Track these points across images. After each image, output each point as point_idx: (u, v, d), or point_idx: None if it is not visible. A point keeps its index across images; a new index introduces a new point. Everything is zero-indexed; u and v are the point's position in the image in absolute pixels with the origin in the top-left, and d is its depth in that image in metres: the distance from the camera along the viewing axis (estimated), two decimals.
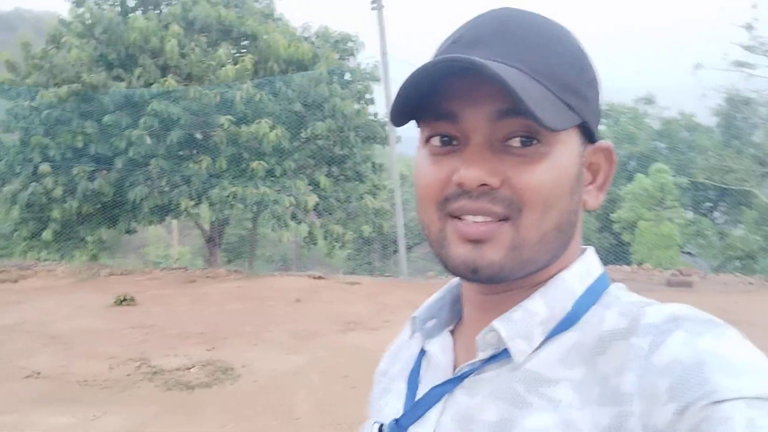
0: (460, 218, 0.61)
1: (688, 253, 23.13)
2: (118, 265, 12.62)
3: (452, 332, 0.74)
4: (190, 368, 6.13)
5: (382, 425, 0.72)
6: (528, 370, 0.62)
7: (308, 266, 17.22)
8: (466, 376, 0.66)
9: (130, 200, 11.53)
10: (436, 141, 0.63)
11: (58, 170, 11.55)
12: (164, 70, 11.55)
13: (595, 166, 0.67)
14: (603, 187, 0.69)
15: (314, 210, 11.85)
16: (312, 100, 11.63)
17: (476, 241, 0.60)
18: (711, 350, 0.53)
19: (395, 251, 17.71)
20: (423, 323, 0.75)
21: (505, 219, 0.60)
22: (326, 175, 12.27)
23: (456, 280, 0.74)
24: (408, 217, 13.28)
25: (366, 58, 13.46)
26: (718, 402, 0.50)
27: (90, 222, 12.25)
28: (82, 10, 12.35)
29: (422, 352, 0.75)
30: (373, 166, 13.28)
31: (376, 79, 12.73)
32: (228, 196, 10.89)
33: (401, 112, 0.62)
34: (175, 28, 11.34)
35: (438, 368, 0.71)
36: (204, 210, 12.41)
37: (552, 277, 0.65)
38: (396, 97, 0.60)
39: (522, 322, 0.63)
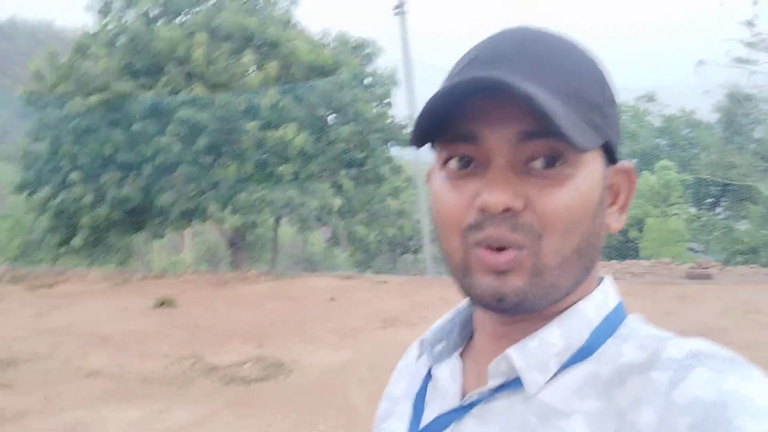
0: (484, 246, 0.60)
1: (691, 249, 23.39)
2: (148, 269, 12.86)
3: (461, 355, 0.73)
4: (243, 364, 6.38)
5: None
6: (541, 402, 0.60)
7: (315, 268, 17.47)
8: (475, 404, 0.64)
9: (158, 206, 11.80)
10: (454, 163, 0.61)
11: (88, 178, 11.82)
12: (190, 78, 11.82)
13: (615, 188, 0.66)
14: (624, 209, 0.67)
15: (337, 212, 12.11)
16: (336, 105, 11.89)
17: (500, 272, 0.59)
18: (735, 390, 0.51)
19: (402, 253, 18.00)
20: (432, 346, 0.73)
21: (524, 247, 0.59)
22: (348, 178, 12.53)
23: (465, 301, 0.72)
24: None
25: (384, 62, 13.72)
26: None
27: (118, 228, 12.52)
28: (107, 20, 12.61)
29: (428, 376, 0.74)
30: (393, 169, 13.54)
31: (395, 83, 13.01)
32: (256, 200, 11.13)
33: (422, 134, 0.60)
34: (200, 36, 11.61)
35: (445, 394, 0.69)
36: (227, 214, 12.66)
37: (569, 306, 0.64)
38: (419, 118, 0.58)
39: (538, 352, 0.61)
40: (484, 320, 0.68)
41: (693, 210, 23.32)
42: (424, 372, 0.74)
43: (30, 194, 12.67)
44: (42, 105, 12.10)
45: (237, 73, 11.56)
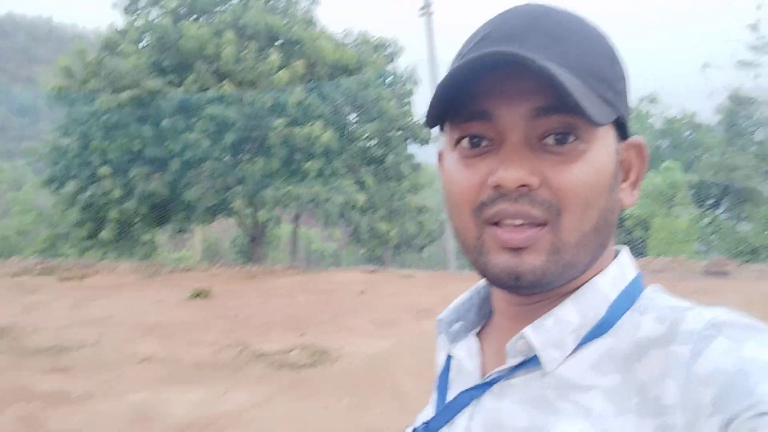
0: (497, 224, 0.59)
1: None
2: (175, 263, 13.10)
3: (478, 335, 0.73)
4: (290, 352, 6.63)
5: (414, 429, 0.72)
6: (559, 376, 0.60)
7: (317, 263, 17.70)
8: (495, 382, 0.65)
9: (184, 201, 12.04)
10: (466, 143, 0.61)
11: (116, 172, 12.06)
12: (218, 75, 12.06)
13: (627, 163, 0.66)
14: (636, 184, 0.67)
15: (358, 208, 12.35)
16: (360, 103, 12.14)
17: (516, 249, 0.58)
18: (755, 358, 0.51)
19: (408, 248, 18.22)
20: (449, 326, 0.73)
21: (543, 223, 0.58)
22: (370, 175, 12.77)
23: (483, 281, 0.72)
24: None
25: (405, 61, 13.96)
26: (765, 414, 0.48)
27: (145, 222, 12.76)
28: (134, 18, 12.84)
29: (450, 356, 0.74)
30: (413, 166, 13.78)
31: (415, 83, 13.27)
32: (282, 196, 11.37)
33: (437, 114, 0.60)
34: (229, 35, 11.84)
35: (466, 373, 0.69)
36: (251, 209, 12.88)
37: (585, 282, 0.63)
38: (435, 98, 0.58)
39: (554, 330, 0.61)
40: (501, 300, 0.68)
41: (697, 211, 23.61)
42: (446, 352, 0.74)
43: (57, 188, 12.90)
44: (70, 101, 12.32)
45: (264, 71, 11.79)
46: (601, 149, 0.59)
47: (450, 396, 0.69)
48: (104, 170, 11.83)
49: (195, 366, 6.32)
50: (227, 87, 11.46)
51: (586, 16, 0.64)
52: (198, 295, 9.13)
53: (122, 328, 7.71)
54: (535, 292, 0.62)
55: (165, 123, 11.65)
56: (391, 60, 13.64)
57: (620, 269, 0.64)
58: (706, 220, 23.48)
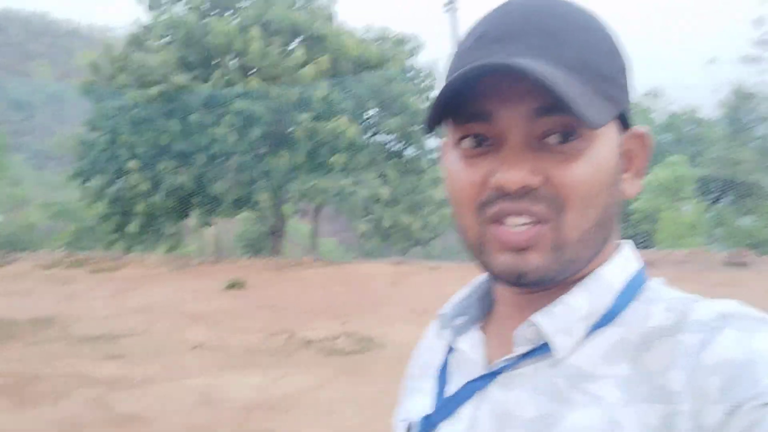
0: (499, 222, 0.59)
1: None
2: (203, 254, 13.29)
3: (481, 328, 0.72)
4: (335, 339, 6.82)
5: (411, 423, 0.71)
6: (570, 365, 0.60)
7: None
8: (501, 372, 0.64)
9: (210, 194, 12.22)
10: (468, 142, 0.61)
11: (144, 166, 12.23)
12: (244, 70, 12.22)
13: (629, 153, 0.66)
14: (639, 173, 0.67)
15: (382, 201, 12.53)
16: (384, 98, 12.31)
17: (518, 249, 0.59)
18: (763, 349, 0.52)
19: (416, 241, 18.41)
20: (452, 320, 0.73)
21: (545, 220, 0.58)
22: (393, 169, 12.95)
23: (483, 276, 0.72)
24: None
25: (429, 56, 14.14)
26: None
27: (170, 215, 12.94)
28: (159, 12, 12.99)
29: (450, 350, 0.73)
30: (433, 160, 13.96)
31: (434, 78, 13.45)
32: (309, 189, 11.55)
33: (436, 118, 0.60)
34: (255, 31, 12.00)
35: (469, 364, 0.68)
36: (269, 202, 13.05)
37: (590, 272, 0.63)
38: (434, 104, 0.58)
39: (563, 317, 0.62)
40: (504, 291, 0.68)
41: (701, 204, 23.84)
42: (446, 346, 0.74)
43: (83, 182, 13.08)
44: (99, 96, 12.48)
45: (289, 66, 11.95)
46: (603, 145, 0.60)
47: (449, 389, 0.68)
48: (132, 164, 12.00)
49: (246, 352, 6.52)
50: (254, 82, 11.62)
51: (584, 5, 0.62)
52: (233, 285, 9.32)
53: (167, 317, 7.90)
54: (539, 287, 0.62)
55: (193, 117, 11.81)
56: (412, 55, 13.81)
57: (624, 261, 0.65)
58: (712, 214, 23.74)
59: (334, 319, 7.63)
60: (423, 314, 7.73)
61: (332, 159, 11.68)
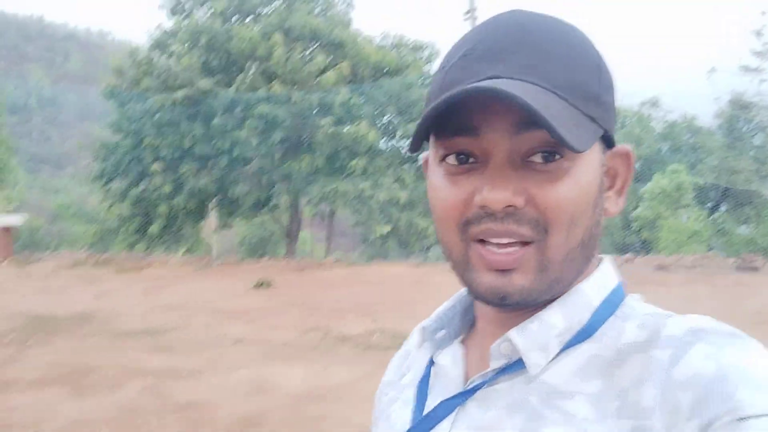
0: (483, 241, 0.59)
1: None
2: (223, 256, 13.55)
3: (462, 342, 0.72)
4: (370, 335, 7.10)
5: None
6: (543, 382, 0.61)
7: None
8: (479, 388, 0.64)
9: (231, 196, 12.50)
10: (452, 159, 0.60)
11: (167, 169, 12.51)
12: (266, 75, 12.52)
13: (613, 171, 0.66)
14: (622, 192, 0.67)
15: (401, 204, 12.82)
16: (403, 103, 12.61)
17: (503, 270, 0.59)
18: (734, 364, 0.52)
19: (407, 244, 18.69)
20: (433, 333, 0.73)
21: (530, 242, 0.58)
22: (409, 172, 13.25)
23: (465, 289, 0.69)
24: None
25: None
26: (743, 419, 0.49)
27: (190, 217, 13.21)
28: (182, 19, 13.30)
29: (431, 362, 0.73)
30: None
31: None
32: (329, 192, 11.84)
33: (419, 139, 0.59)
34: (277, 37, 12.31)
35: (448, 380, 0.69)
36: (289, 204, 13.33)
37: (569, 288, 0.63)
38: (418, 128, 0.58)
39: (539, 333, 0.62)
40: (483, 307, 0.68)
41: (701, 213, 24.27)
42: (427, 359, 0.74)
43: (105, 184, 13.34)
44: (124, 99, 12.76)
45: (311, 72, 12.26)
46: (586, 165, 0.60)
47: (429, 403, 0.68)
48: (156, 166, 12.27)
49: (285, 347, 6.79)
50: (277, 87, 11.92)
51: (570, 23, 0.63)
52: (261, 285, 9.58)
53: (202, 314, 8.17)
54: (522, 309, 0.62)
55: (216, 121, 12.09)
56: (429, 62, 14.13)
57: (603, 277, 0.65)
58: (712, 222, 24.16)
59: (364, 316, 7.90)
60: None
61: (352, 163, 11.96)
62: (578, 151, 0.54)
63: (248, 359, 6.36)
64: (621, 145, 0.66)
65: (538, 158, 0.58)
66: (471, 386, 0.65)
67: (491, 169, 0.58)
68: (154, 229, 12.68)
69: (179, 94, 11.85)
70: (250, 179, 12.51)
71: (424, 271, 10.85)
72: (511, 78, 0.56)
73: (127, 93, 12.79)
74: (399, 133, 12.89)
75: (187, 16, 13.45)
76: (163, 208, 12.56)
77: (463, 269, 0.61)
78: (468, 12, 11.65)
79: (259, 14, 13.68)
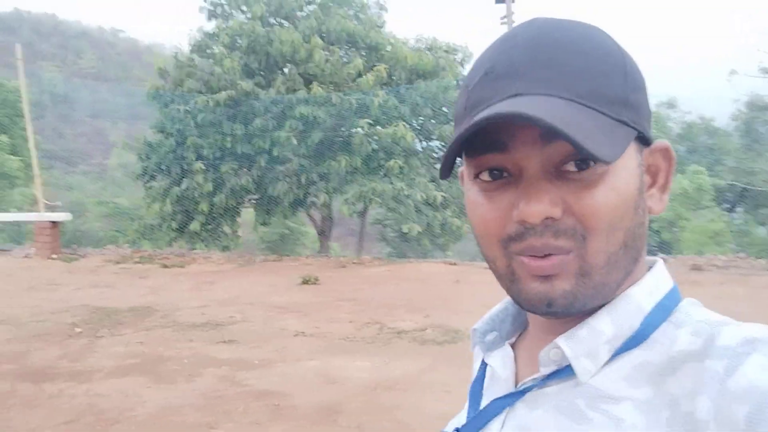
0: (525, 255, 0.60)
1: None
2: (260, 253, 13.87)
3: (513, 345, 0.73)
4: (424, 330, 7.37)
5: None
6: (591, 386, 0.61)
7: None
8: (528, 391, 0.65)
9: (269, 195, 12.82)
10: (485, 176, 0.61)
11: (208, 168, 12.86)
12: (305, 78, 12.83)
13: (654, 168, 0.65)
14: (665, 188, 0.66)
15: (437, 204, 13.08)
16: (439, 105, 12.89)
17: (546, 276, 0.59)
18: None
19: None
20: (483, 336, 0.75)
21: (569, 251, 0.58)
22: None
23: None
24: None
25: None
26: None
27: (230, 215, 13.56)
28: (222, 22, 13.64)
29: (485, 364, 0.75)
30: None
31: None
32: (368, 191, 12.13)
33: (451, 165, 0.60)
34: (316, 40, 12.62)
35: (499, 381, 0.70)
36: (327, 204, 13.62)
37: (619, 293, 0.63)
38: (447, 154, 0.59)
39: (587, 341, 0.61)
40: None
41: (722, 214, 24.47)
42: (480, 361, 0.76)
43: (147, 182, 13.71)
44: (167, 100, 13.11)
45: (349, 74, 12.55)
46: (623, 168, 0.59)
47: (484, 404, 0.70)
48: (198, 165, 12.61)
49: (345, 340, 7.08)
50: (317, 89, 12.22)
51: (592, 25, 0.62)
52: (307, 281, 9.88)
53: (256, 308, 8.48)
54: (570, 315, 0.62)
55: (257, 122, 12.42)
56: (462, 65, 14.38)
57: (655, 281, 0.65)
58: (735, 222, 24.34)
59: (415, 312, 8.18)
60: None
61: (389, 163, 12.24)
62: (608, 162, 0.54)
63: (312, 351, 6.65)
64: (659, 141, 0.65)
65: (571, 167, 0.58)
66: (521, 388, 0.66)
67: (525, 183, 0.58)
68: (194, 226, 13.01)
69: (222, 95, 12.18)
70: (289, 178, 12.82)
71: (462, 270, 11.11)
72: (533, 94, 0.56)
73: (169, 94, 13.13)
74: (434, 135, 13.15)
75: (225, 20, 13.78)
76: (204, 206, 12.90)
77: (509, 281, 0.62)
78: (504, 17, 11.91)
79: (295, 18, 13.97)
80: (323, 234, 15.43)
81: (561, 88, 0.57)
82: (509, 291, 0.63)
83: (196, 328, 7.59)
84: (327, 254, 13.89)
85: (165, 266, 11.88)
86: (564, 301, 0.59)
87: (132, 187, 17.11)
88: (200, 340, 7.11)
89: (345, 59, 13.04)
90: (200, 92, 12.68)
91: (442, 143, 13.56)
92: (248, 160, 12.93)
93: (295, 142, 12.40)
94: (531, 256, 0.59)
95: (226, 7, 13.97)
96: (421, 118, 13.23)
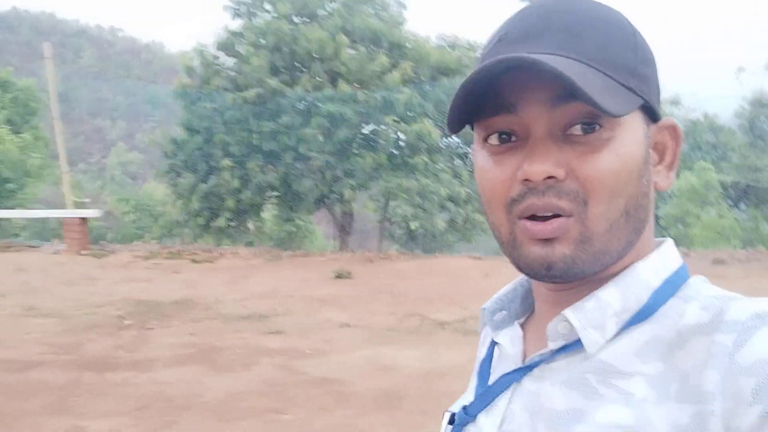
0: (528, 218, 0.60)
1: None
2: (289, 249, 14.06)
3: (522, 325, 0.74)
4: (464, 321, 7.56)
5: (453, 414, 0.73)
6: (601, 361, 0.60)
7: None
8: (536, 366, 0.66)
9: (295, 191, 13.02)
10: (494, 139, 0.62)
11: (235, 165, 13.06)
12: (331, 75, 13.02)
13: (661, 145, 0.66)
14: (672, 166, 0.67)
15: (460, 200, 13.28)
16: None
17: (546, 240, 0.59)
18: None
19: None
20: (492, 315, 0.76)
21: (570, 214, 0.59)
22: (465, 169, 13.71)
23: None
24: None
25: None
26: None
27: (256, 211, 13.76)
28: (247, 19, 13.82)
29: (494, 343, 0.76)
30: None
31: None
32: (395, 187, 12.32)
33: (458, 119, 0.62)
34: (341, 38, 12.80)
35: (507, 359, 0.71)
36: (351, 200, 13.81)
37: (626, 268, 0.63)
38: (453, 103, 0.60)
39: (595, 312, 0.62)
40: (539, 287, 0.70)
41: (726, 209, 24.73)
42: (489, 340, 0.77)
43: (173, 179, 13.91)
44: (193, 98, 13.31)
45: (375, 71, 12.73)
46: (628, 136, 0.60)
47: (492, 381, 0.71)
48: (226, 162, 12.81)
49: (389, 331, 7.27)
50: (343, 86, 12.41)
51: (605, 4, 0.63)
52: (341, 275, 10.07)
53: (296, 301, 8.67)
54: (569, 281, 0.62)
55: (284, 119, 12.61)
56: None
57: (663, 258, 0.65)
58: (745, 218, 24.59)
59: (452, 304, 8.37)
60: None
61: (415, 159, 12.43)
62: (614, 116, 0.56)
63: (360, 341, 6.85)
64: (667, 118, 0.66)
65: (577, 130, 0.59)
66: (528, 363, 0.67)
67: (531, 144, 0.59)
68: (221, 222, 13.21)
69: (251, 93, 12.37)
70: (314, 175, 13.01)
71: (489, 264, 11.30)
72: (544, 54, 0.57)
73: (196, 92, 13.32)
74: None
75: (251, 18, 13.97)
76: (230, 203, 13.09)
77: (511, 247, 0.63)
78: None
79: (318, 16, 14.15)
80: (343, 230, 15.62)
81: (572, 50, 0.58)
82: (511, 257, 0.64)
83: (242, 319, 7.78)
84: (351, 249, 14.08)
85: (195, 261, 12.07)
86: (563, 265, 0.60)
87: (131, 186, 17.35)
88: (248, 331, 7.30)
89: (369, 57, 13.20)
90: (227, 90, 12.86)
91: (464, 140, 13.73)
92: (274, 156, 13.11)
93: (321, 138, 12.57)
94: (532, 219, 0.60)
95: (250, 7, 14.14)
96: (445, 114, 13.42)
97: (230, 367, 6.15)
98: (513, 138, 0.61)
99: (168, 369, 6.12)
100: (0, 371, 6.11)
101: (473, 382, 0.77)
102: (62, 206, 13.20)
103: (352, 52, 13.01)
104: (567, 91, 0.56)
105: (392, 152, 12.89)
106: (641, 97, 0.60)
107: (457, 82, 11.94)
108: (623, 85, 0.59)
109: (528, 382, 0.66)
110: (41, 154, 20.81)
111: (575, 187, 0.59)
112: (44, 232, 15.80)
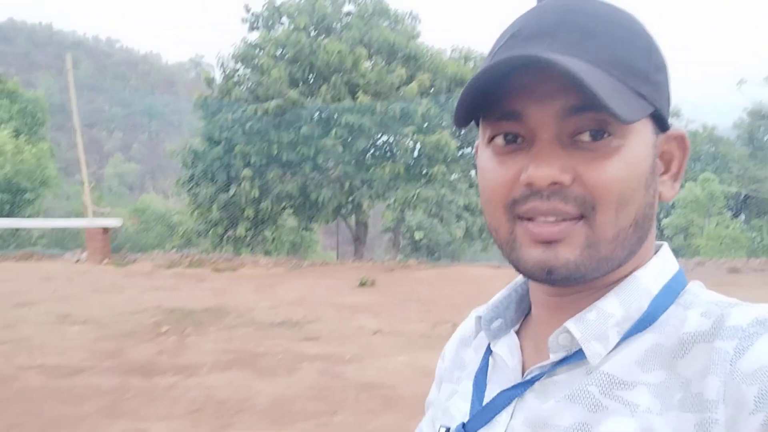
0: (530, 219, 0.59)
1: None
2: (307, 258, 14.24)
3: (517, 332, 0.72)
4: None
5: (448, 429, 0.71)
6: (603, 373, 0.59)
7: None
8: (537, 380, 0.64)
9: (313, 200, 13.22)
10: (499, 140, 0.60)
11: (255, 175, 13.26)
12: (349, 87, 13.26)
13: (668, 155, 0.64)
14: (677, 177, 0.65)
15: (469, 210, 13.48)
16: None
17: (549, 242, 0.58)
18: None
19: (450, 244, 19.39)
20: (488, 323, 0.74)
21: (578, 218, 0.58)
22: None
23: (521, 277, 0.72)
24: None
25: None
26: None
27: (275, 220, 13.96)
28: (266, 31, 14.08)
29: (488, 352, 0.73)
30: None
31: None
32: (413, 197, 12.53)
33: (465, 114, 0.60)
34: (361, 50, 13.05)
35: (506, 370, 0.69)
36: (369, 210, 14.01)
37: (626, 275, 0.62)
38: (462, 98, 0.58)
39: (597, 323, 0.61)
40: (540, 291, 0.68)
41: (728, 220, 25.04)
42: (483, 349, 0.75)
43: (191, 189, 14.11)
44: (213, 109, 13.53)
45: (393, 83, 12.98)
46: (637, 144, 0.59)
47: (488, 394, 0.69)
48: (246, 172, 13.01)
49: (422, 337, 7.45)
50: (363, 98, 12.65)
51: (621, 6, 0.62)
52: (365, 283, 10.25)
53: (326, 308, 8.84)
54: (570, 285, 0.61)
55: (304, 129, 12.83)
56: None
57: (662, 264, 0.64)
58: (740, 228, 24.96)
59: None
60: None
61: (434, 169, 12.64)
62: (624, 121, 0.54)
63: (396, 347, 7.02)
64: (675, 129, 0.64)
65: (586, 137, 0.57)
66: (529, 377, 0.65)
67: (537, 147, 0.58)
68: (240, 231, 13.40)
69: (272, 104, 12.59)
70: (333, 184, 13.21)
71: (507, 272, 11.47)
72: (556, 53, 0.56)
73: (215, 103, 13.55)
74: (472, 142, 13.56)
75: (269, 30, 14.22)
76: (250, 212, 13.28)
77: (510, 248, 0.61)
78: None
79: (335, 29, 14.41)
80: (358, 240, 15.82)
81: (585, 52, 0.57)
82: (510, 258, 0.62)
83: (276, 326, 7.95)
84: (370, 258, 14.27)
85: (217, 270, 12.24)
86: (565, 270, 0.58)
87: (128, 197, 17.60)
88: (284, 337, 7.47)
89: (387, 69, 13.45)
90: (247, 101, 13.09)
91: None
92: (293, 167, 13.32)
93: (340, 149, 12.79)
94: (535, 221, 0.59)
95: (267, 20, 14.40)
96: None
97: (274, 372, 6.31)
98: (519, 140, 0.60)
99: (214, 374, 6.27)
100: (47, 377, 6.26)
101: (463, 387, 0.75)
102: (74, 215, 13.39)
103: (369, 63, 13.25)
104: (580, 103, 0.56)
105: (409, 162, 13.09)
106: (652, 104, 0.59)
107: None
108: (635, 91, 0.58)
109: (530, 398, 0.64)
110: (52, 165, 21.03)
111: (582, 193, 0.57)
112: (62, 241, 15.97)
